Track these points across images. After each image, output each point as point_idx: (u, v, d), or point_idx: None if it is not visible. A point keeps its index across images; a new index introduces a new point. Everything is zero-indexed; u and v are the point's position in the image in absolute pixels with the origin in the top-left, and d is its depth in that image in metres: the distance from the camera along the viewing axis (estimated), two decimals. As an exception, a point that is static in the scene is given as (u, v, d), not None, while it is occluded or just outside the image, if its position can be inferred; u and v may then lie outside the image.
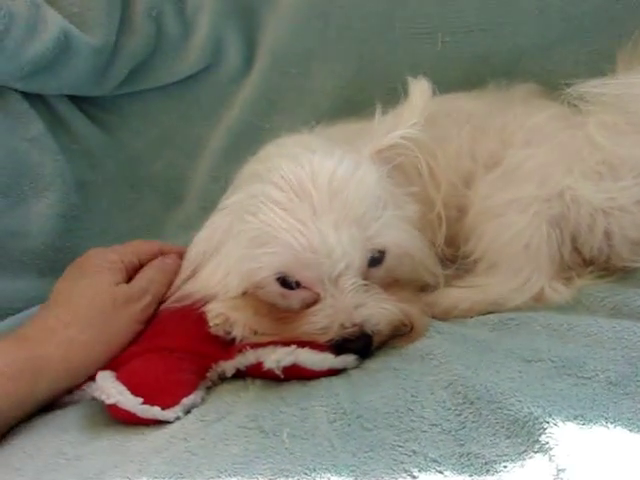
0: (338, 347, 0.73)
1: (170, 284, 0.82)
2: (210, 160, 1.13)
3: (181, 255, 0.84)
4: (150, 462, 0.60)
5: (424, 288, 0.84)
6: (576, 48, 1.03)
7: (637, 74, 0.84)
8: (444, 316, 0.80)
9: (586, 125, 0.85)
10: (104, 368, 0.74)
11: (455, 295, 0.81)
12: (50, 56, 0.99)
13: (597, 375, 0.62)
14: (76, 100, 1.08)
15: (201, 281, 0.80)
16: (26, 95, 1.02)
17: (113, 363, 0.75)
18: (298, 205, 0.75)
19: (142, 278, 0.81)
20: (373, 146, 0.82)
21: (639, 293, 0.74)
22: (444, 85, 1.02)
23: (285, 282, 0.77)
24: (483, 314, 0.79)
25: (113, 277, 0.79)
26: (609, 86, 0.83)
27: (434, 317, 0.80)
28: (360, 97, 1.08)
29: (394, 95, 0.97)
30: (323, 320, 0.74)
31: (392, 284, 0.81)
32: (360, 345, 0.74)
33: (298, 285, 0.77)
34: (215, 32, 1.10)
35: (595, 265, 0.83)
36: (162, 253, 0.86)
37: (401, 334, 0.77)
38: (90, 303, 0.76)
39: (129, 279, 0.81)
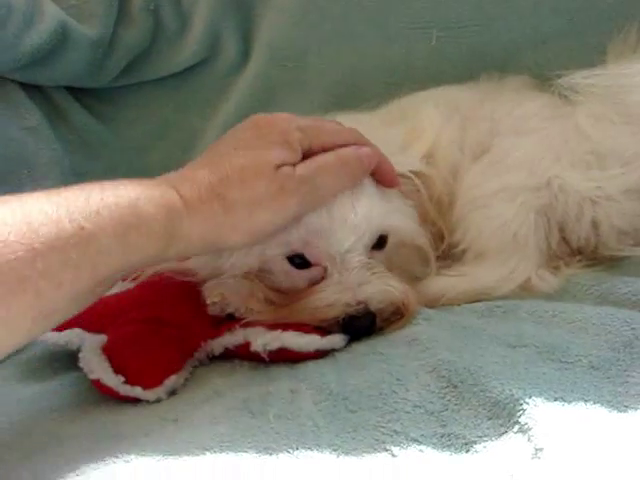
0: (344, 326, 0.75)
1: (352, 177, 0.74)
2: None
3: (364, 157, 0.74)
4: (139, 442, 0.61)
5: (415, 279, 0.85)
6: (569, 42, 1.04)
7: (626, 65, 0.84)
8: (432, 304, 0.81)
9: (575, 115, 0.86)
10: (95, 318, 0.76)
11: (443, 284, 0.82)
12: (47, 48, 1.01)
13: (580, 360, 0.63)
14: (73, 91, 1.10)
15: (206, 258, 0.80)
16: (24, 85, 1.04)
17: (105, 321, 0.76)
18: None
19: (311, 165, 0.70)
20: None
21: (624, 281, 0.75)
22: (438, 80, 1.04)
23: (293, 261, 0.78)
24: (471, 302, 0.80)
25: (282, 155, 0.68)
26: (599, 77, 0.85)
27: (423, 305, 0.81)
28: (355, 90, 1.10)
29: (388, 89, 0.99)
30: (329, 296, 0.75)
31: (390, 269, 0.81)
32: (365, 323, 0.75)
33: (306, 265, 0.78)
34: (212, 25, 1.12)
35: (583, 254, 0.84)
36: (355, 143, 0.74)
37: (393, 320, 0.78)
38: (244, 182, 0.66)
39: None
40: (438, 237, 0.87)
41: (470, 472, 0.52)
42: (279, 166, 0.68)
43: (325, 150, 0.72)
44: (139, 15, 1.09)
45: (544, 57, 1.04)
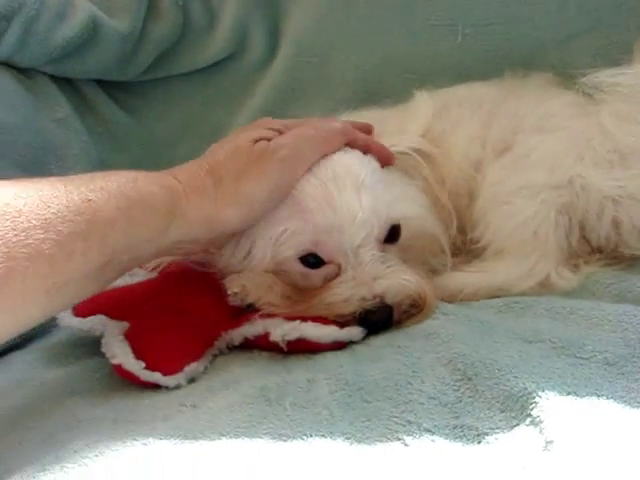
0: (361, 320, 0.75)
1: (329, 143, 0.79)
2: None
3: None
4: (158, 426, 0.62)
5: (432, 272, 0.86)
6: (594, 40, 1.04)
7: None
8: (451, 299, 0.81)
9: (599, 114, 0.86)
10: (118, 306, 0.78)
11: (462, 279, 0.83)
12: (78, 41, 1.03)
13: (595, 356, 0.63)
14: (103, 84, 1.12)
15: (226, 253, 0.81)
16: (55, 78, 1.06)
17: (128, 308, 0.78)
18: (322, 171, 0.78)
19: (286, 134, 0.77)
20: None
21: (642, 279, 0.75)
22: (463, 77, 1.04)
23: (308, 262, 0.79)
24: (489, 298, 0.80)
25: (257, 135, 0.76)
26: (623, 76, 0.84)
27: (441, 300, 0.81)
28: (379, 87, 1.10)
29: (413, 86, 0.99)
30: (345, 292, 0.76)
31: (406, 262, 0.82)
32: (382, 317, 0.76)
33: (319, 263, 0.79)
34: (240, 21, 1.14)
35: (603, 253, 0.83)
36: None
37: (413, 313, 0.78)
38: (227, 157, 0.74)
39: None
40: (458, 230, 0.88)
41: (481, 463, 0.53)
42: (257, 140, 0.75)
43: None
44: (168, 10, 1.11)
45: (569, 55, 1.04)
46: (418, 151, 0.85)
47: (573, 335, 0.67)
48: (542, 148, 0.86)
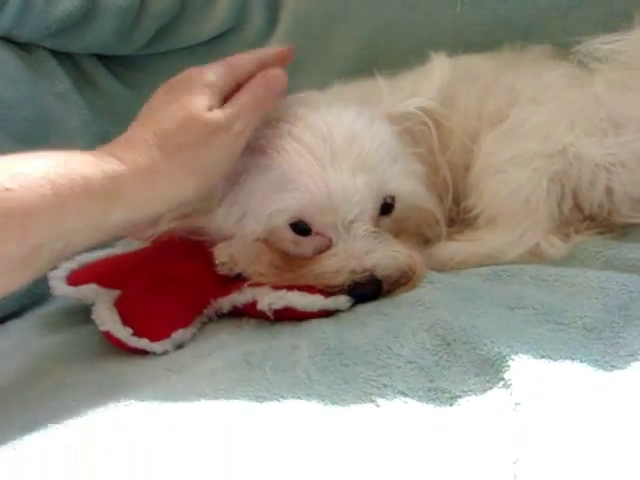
0: (350, 292, 0.76)
1: (261, 112, 0.77)
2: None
3: (269, 79, 0.78)
4: (142, 389, 0.63)
5: (426, 242, 0.86)
6: (595, 10, 1.02)
7: (646, 31, 0.83)
8: (441, 268, 0.82)
9: (593, 82, 0.85)
10: (110, 275, 0.78)
11: (452, 248, 0.83)
12: (77, 15, 1.03)
13: (575, 322, 0.63)
14: (103, 58, 1.12)
15: (217, 220, 0.82)
16: (54, 53, 1.07)
17: (119, 277, 0.79)
18: (321, 148, 0.77)
19: (235, 104, 0.74)
20: (386, 109, 0.84)
21: (631, 247, 0.75)
22: (463, 47, 1.03)
23: (298, 228, 0.79)
24: (479, 266, 0.80)
25: (208, 101, 0.72)
26: (617, 43, 0.83)
27: (432, 269, 0.81)
28: (380, 59, 1.09)
29: (413, 56, 0.98)
30: (335, 264, 0.76)
31: (399, 235, 0.82)
32: (370, 289, 0.76)
33: (311, 231, 0.79)
34: (239, -6, 1.13)
35: (595, 222, 0.83)
36: (262, 68, 0.79)
37: (402, 283, 0.78)
38: (180, 128, 0.70)
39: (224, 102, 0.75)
40: (454, 201, 0.88)
41: (449, 423, 0.53)
42: (209, 109, 0.72)
43: (239, 84, 0.77)
44: (168, -16, 1.11)
45: (570, 24, 1.02)
46: (427, 112, 0.84)
47: (556, 302, 0.67)
48: (535, 118, 0.85)
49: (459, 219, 0.87)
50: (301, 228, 0.79)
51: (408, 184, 0.80)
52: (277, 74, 0.79)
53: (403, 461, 0.49)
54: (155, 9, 1.11)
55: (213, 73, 0.75)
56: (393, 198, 0.80)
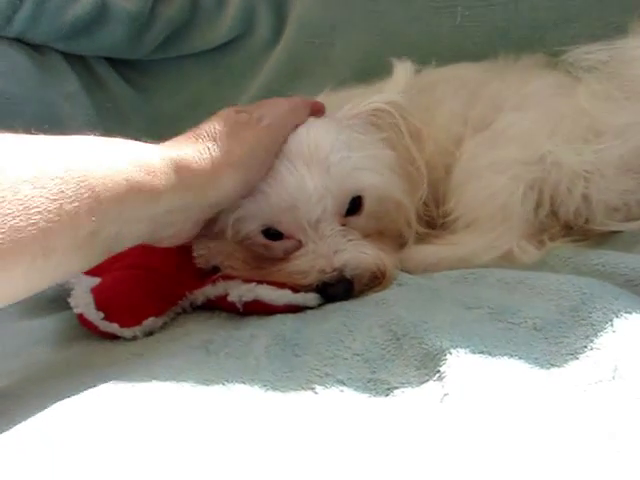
0: (320, 291, 0.77)
1: (301, 118, 0.82)
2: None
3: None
4: (104, 372, 0.66)
5: (402, 246, 0.87)
6: (592, 21, 1.03)
7: (626, 40, 0.83)
8: (414, 270, 0.82)
9: (576, 91, 0.85)
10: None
11: (426, 250, 0.84)
12: (88, 19, 1.08)
13: (525, 321, 0.63)
14: (113, 62, 1.17)
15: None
16: (66, 55, 1.12)
17: (102, 265, 0.80)
18: (279, 161, 0.79)
19: (260, 109, 0.80)
20: (349, 109, 0.85)
21: (598, 253, 0.74)
22: (462, 58, 1.05)
23: (270, 234, 0.81)
24: (451, 269, 0.81)
25: (233, 109, 0.79)
26: (599, 52, 0.83)
27: (405, 271, 0.82)
28: (380, 68, 1.11)
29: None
30: (304, 264, 0.78)
31: (372, 235, 0.83)
32: (340, 289, 0.77)
33: (281, 236, 0.81)
34: (247, 3, 1.18)
35: (573, 229, 0.83)
36: None
37: (375, 284, 0.79)
38: (213, 124, 0.76)
39: None
40: (435, 203, 0.88)
41: (380, 412, 0.54)
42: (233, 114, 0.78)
43: None
44: (178, -9, 1.16)
45: (567, 36, 1.02)
46: (394, 105, 0.85)
47: (512, 302, 0.67)
48: (517, 125, 0.86)
49: (439, 223, 0.88)
50: (272, 233, 0.80)
51: (373, 176, 0.80)
52: (319, 102, 0.86)
53: (328, 447, 0.51)
54: (165, 15, 1.15)
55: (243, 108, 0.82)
56: (360, 197, 0.81)
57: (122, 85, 1.17)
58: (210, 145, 0.73)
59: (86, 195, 0.58)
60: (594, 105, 0.83)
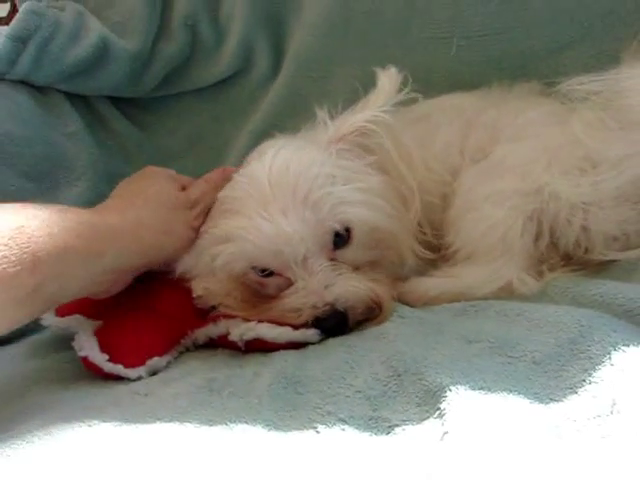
0: (315, 327, 0.77)
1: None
2: (236, 159, 1.19)
3: (225, 173, 0.89)
4: (107, 411, 0.67)
5: (402, 276, 0.87)
6: (585, 50, 1.04)
7: (620, 70, 0.84)
8: (415, 303, 0.83)
9: (571, 121, 0.86)
10: (94, 307, 0.82)
11: (427, 284, 0.84)
12: (90, 60, 1.10)
13: (525, 355, 0.64)
14: (115, 100, 1.19)
15: (184, 268, 0.85)
16: (69, 95, 1.14)
17: (103, 309, 0.82)
18: (245, 205, 0.80)
19: (196, 190, 0.86)
20: (333, 132, 0.85)
21: (596, 283, 0.74)
22: (458, 87, 1.06)
23: (260, 270, 0.81)
24: (452, 302, 0.81)
25: (173, 185, 0.85)
26: (594, 83, 0.84)
27: (406, 303, 0.83)
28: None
29: (409, 97, 1.01)
30: (296, 302, 0.78)
31: (366, 267, 0.83)
32: (333, 323, 0.77)
33: (272, 273, 0.81)
34: (246, 40, 1.19)
35: (572, 259, 0.83)
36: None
37: (373, 316, 0.80)
38: (157, 195, 0.82)
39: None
40: (432, 231, 0.89)
41: (380, 451, 0.55)
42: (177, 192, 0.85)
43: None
44: (178, 30, 1.17)
45: (561, 65, 1.04)
46: (380, 123, 0.84)
47: (512, 335, 0.68)
48: (513, 156, 0.87)
49: (439, 253, 0.88)
50: (263, 270, 0.81)
51: (356, 209, 0.80)
52: (232, 170, 0.89)
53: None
54: (165, 53, 1.17)
55: (171, 172, 0.89)
56: (347, 229, 0.80)
57: (124, 123, 1.19)
58: (145, 213, 0.79)
59: (28, 260, 0.63)
60: (589, 135, 0.83)
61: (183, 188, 0.87)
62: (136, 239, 0.77)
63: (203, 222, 0.85)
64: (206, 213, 0.86)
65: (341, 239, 0.81)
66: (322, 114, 0.88)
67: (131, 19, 1.15)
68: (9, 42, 1.04)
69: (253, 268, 0.81)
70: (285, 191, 0.78)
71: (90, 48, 1.09)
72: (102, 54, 1.11)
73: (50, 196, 1.05)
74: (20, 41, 1.05)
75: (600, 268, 0.82)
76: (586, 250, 0.82)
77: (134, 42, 1.14)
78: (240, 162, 1.16)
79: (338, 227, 0.79)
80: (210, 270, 0.82)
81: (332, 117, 0.88)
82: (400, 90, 0.87)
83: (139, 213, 0.78)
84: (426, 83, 1.07)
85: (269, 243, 0.77)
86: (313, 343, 0.77)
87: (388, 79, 0.87)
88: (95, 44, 1.09)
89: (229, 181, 0.86)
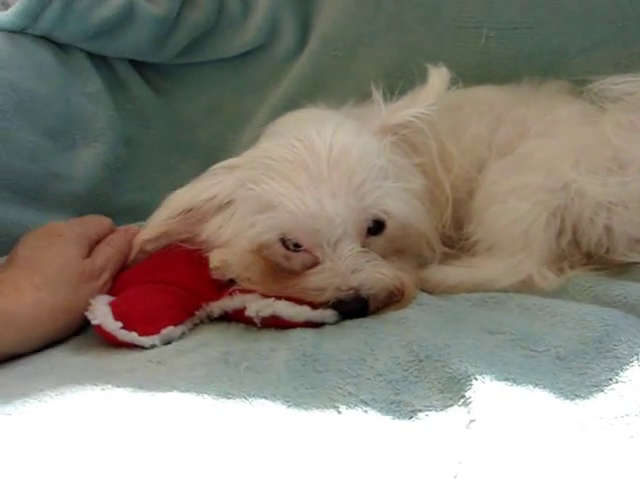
0: (335, 308, 0.77)
1: (122, 262, 0.85)
2: (253, 134, 1.18)
3: (128, 234, 0.87)
4: (121, 376, 0.66)
5: (423, 265, 0.87)
6: (617, 50, 1.03)
7: (655, 73, 0.84)
8: (433, 290, 0.83)
9: (602, 121, 0.85)
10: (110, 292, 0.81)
11: (446, 272, 0.84)
12: (115, 21, 1.08)
13: (549, 350, 0.64)
14: (136, 64, 1.17)
15: (212, 231, 0.84)
16: (90, 55, 1.12)
17: (115, 288, 0.82)
18: (297, 175, 0.79)
19: (101, 256, 0.83)
20: (382, 121, 0.85)
21: (620, 284, 0.75)
22: (485, 79, 1.05)
23: (288, 244, 0.81)
24: (470, 292, 0.81)
25: (80, 250, 0.81)
26: (628, 84, 0.84)
27: (425, 291, 0.82)
28: (401, 84, 1.11)
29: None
30: (320, 282, 0.78)
31: (393, 254, 0.83)
32: (354, 307, 0.77)
33: (299, 248, 0.81)
34: (273, 13, 1.17)
35: (593, 258, 0.83)
36: (112, 230, 0.88)
37: (393, 302, 0.80)
38: (60, 271, 0.78)
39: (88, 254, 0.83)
40: (455, 225, 0.88)
41: (404, 435, 0.54)
42: (82, 257, 0.81)
43: (99, 237, 0.86)
44: (205, -2, 1.16)
45: (591, 64, 1.03)
46: (427, 121, 0.85)
47: (534, 330, 0.67)
48: (542, 152, 0.86)
49: (459, 245, 0.88)
50: (290, 244, 0.80)
51: (398, 204, 0.80)
52: (136, 230, 0.88)
53: (354, 468, 0.51)
54: (190, 21, 1.15)
55: (79, 227, 0.85)
56: (383, 221, 0.81)
57: (143, 87, 1.17)
58: (45, 295, 0.75)
59: None
60: (619, 136, 0.83)
61: (90, 245, 0.84)
62: (36, 325, 0.75)
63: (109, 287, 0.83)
64: (112, 278, 0.83)
65: (375, 228, 0.81)
66: (377, 95, 0.88)
67: (159, -17, 1.13)
68: (34, -5, 1.02)
69: (282, 240, 0.80)
70: (341, 175, 0.78)
71: (116, 9, 1.07)
72: (127, 16, 1.09)
73: (67, 156, 1.03)
74: (45, -4, 1.03)
75: (621, 269, 0.82)
76: (608, 250, 0.82)
77: (160, 6, 1.12)
78: (256, 137, 1.15)
79: (376, 217, 0.80)
80: (235, 239, 0.82)
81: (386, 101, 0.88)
82: (449, 89, 0.87)
83: (39, 295, 0.75)
84: (452, 71, 1.07)
85: (311, 220, 0.77)
86: (329, 324, 0.77)
87: (438, 77, 0.87)
88: (121, 5, 1.07)
89: (124, 244, 0.85)
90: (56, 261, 0.78)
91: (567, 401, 0.56)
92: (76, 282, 0.78)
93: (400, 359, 0.65)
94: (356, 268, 0.78)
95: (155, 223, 0.85)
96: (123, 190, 1.10)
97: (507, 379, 0.58)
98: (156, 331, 0.75)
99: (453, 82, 0.88)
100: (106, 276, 0.82)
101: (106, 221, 0.89)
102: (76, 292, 0.78)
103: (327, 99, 1.15)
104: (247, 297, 0.78)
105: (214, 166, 0.86)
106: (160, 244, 0.87)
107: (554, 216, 0.83)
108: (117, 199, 1.08)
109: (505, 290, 0.80)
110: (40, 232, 0.83)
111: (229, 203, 0.84)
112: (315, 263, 0.80)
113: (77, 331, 0.80)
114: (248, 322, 0.77)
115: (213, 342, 0.74)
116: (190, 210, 0.84)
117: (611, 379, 0.57)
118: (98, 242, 0.85)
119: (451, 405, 0.57)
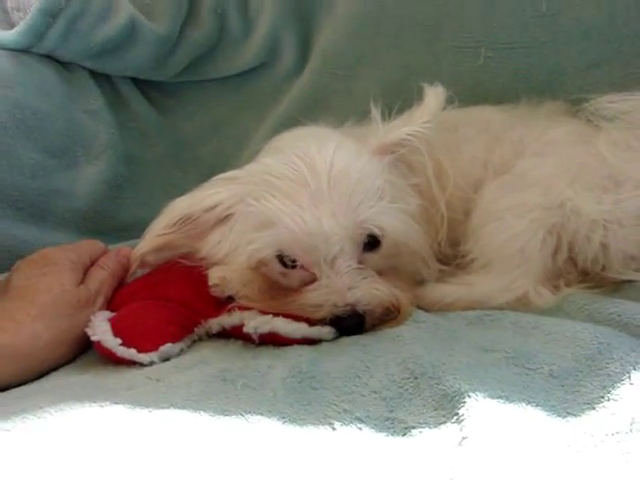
0: (332, 324, 0.78)
1: (116, 283, 0.85)
2: (254, 151, 1.19)
3: (120, 256, 0.87)
4: (119, 394, 0.67)
5: (419, 282, 0.87)
6: (613, 70, 1.04)
7: (650, 92, 0.84)
8: (429, 308, 0.83)
9: (597, 140, 0.86)
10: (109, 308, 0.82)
11: (442, 290, 0.84)
12: (117, 40, 1.10)
13: (542, 368, 0.64)
14: (138, 82, 1.19)
15: (211, 246, 0.85)
16: (93, 73, 1.14)
17: (115, 304, 0.83)
18: (298, 192, 0.80)
19: (95, 280, 0.83)
20: (379, 139, 0.86)
21: (614, 302, 0.75)
22: (483, 99, 1.06)
23: (285, 261, 0.82)
24: (466, 310, 0.82)
25: (75, 277, 0.81)
26: (623, 103, 0.85)
27: (421, 308, 0.83)
28: (401, 103, 1.12)
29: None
30: (317, 298, 0.79)
31: (389, 272, 0.84)
32: (351, 323, 0.78)
33: (296, 265, 0.82)
34: (273, 32, 1.19)
35: (589, 276, 0.84)
36: (104, 252, 0.88)
37: (389, 319, 0.80)
38: (56, 301, 0.78)
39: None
40: (450, 243, 0.89)
41: (397, 452, 0.55)
42: (77, 285, 0.81)
43: (93, 261, 0.86)
44: (207, 17, 1.17)
45: (588, 83, 1.04)
46: (422, 140, 0.86)
47: (528, 347, 0.68)
48: (538, 170, 0.87)
49: (455, 262, 0.89)
50: (287, 261, 0.81)
51: (394, 223, 0.81)
52: (128, 252, 0.88)
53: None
54: (192, 40, 1.17)
55: (73, 253, 0.84)
56: (378, 238, 0.82)
57: (145, 105, 1.19)
58: (41, 327, 0.75)
59: None
60: (614, 154, 0.84)
61: (85, 270, 0.84)
62: (34, 358, 0.75)
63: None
64: (107, 300, 0.83)
65: (370, 244, 0.82)
66: (375, 114, 0.89)
67: (161, 2, 1.15)
68: (39, 15, 1.04)
69: (279, 257, 0.81)
70: (341, 195, 0.79)
71: (119, 28, 1.09)
72: (130, 35, 1.11)
73: (69, 173, 1.05)
74: (50, 15, 1.04)
75: (616, 287, 0.82)
76: (603, 268, 0.83)
77: (162, 25, 1.14)
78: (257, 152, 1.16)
79: (372, 232, 0.81)
80: (234, 254, 0.82)
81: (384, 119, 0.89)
82: (444, 108, 0.88)
83: (35, 328, 0.75)
84: (451, 91, 1.08)
85: (308, 238, 0.78)
86: (326, 341, 0.78)
87: (434, 95, 0.88)
88: (124, 24, 1.09)
89: (118, 267, 0.86)
90: (52, 291, 0.78)
91: (559, 419, 0.56)
92: (72, 311, 0.78)
93: (395, 376, 0.66)
94: (352, 285, 0.79)
95: (153, 232, 0.86)
96: (125, 207, 1.12)
97: (500, 397, 0.59)
98: (155, 348, 0.76)
99: (450, 101, 0.89)
100: (101, 301, 0.82)
101: (99, 245, 0.89)
102: (72, 321, 0.78)
103: (327, 117, 1.16)
104: (245, 314, 0.79)
105: (214, 177, 0.87)
106: (161, 256, 0.87)
107: (550, 234, 0.83)
108: (119, 216, 1.09)
109: (501, 307, 0.81)
110: (34, 260, 0.83)
111: (228, 217, 0.85)
112: (312, 280, 0.81)
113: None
114: (246, 339, 0.78)
115: (211, 359, 0.74)
116: (188, 218, 0.84)
117: (603, 397, 0.58)
118: (92, 264, 0.85)
119: (444, 422, 0.57)
